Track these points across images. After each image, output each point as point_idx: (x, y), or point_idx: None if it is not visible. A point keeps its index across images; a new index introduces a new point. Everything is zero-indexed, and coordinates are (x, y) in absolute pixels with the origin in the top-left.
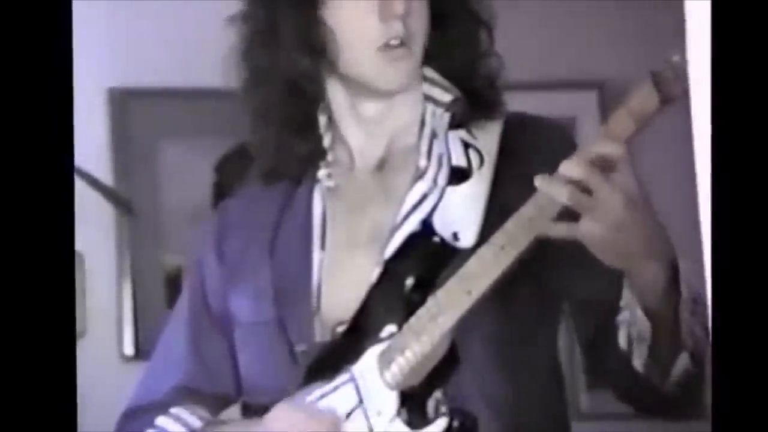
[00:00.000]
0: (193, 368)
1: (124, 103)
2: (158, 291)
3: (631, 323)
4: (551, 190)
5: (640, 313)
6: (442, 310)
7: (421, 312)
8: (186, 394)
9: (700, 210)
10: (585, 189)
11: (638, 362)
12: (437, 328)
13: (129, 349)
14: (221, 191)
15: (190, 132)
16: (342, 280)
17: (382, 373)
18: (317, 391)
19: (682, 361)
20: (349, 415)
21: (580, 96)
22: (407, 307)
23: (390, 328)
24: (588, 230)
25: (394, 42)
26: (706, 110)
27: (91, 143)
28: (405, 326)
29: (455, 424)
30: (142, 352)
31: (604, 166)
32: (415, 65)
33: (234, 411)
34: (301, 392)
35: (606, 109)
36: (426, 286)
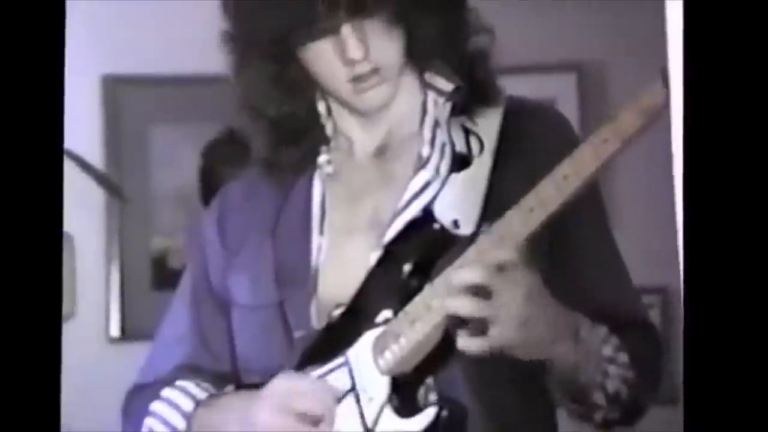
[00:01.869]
0: (196, 347)
1: (116, 89)
2: (145, 274)
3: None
4: (456, 305)
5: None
6: (438, 298)
7: (417, 299)
8: (189, 372)
9: (678, 214)
10: (485, 292)
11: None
12: (432, 316)
13: (115, 330)
14: (208, 176)
15: (181, 118)
16: (340, 264)
17: (375, 359)
18: (313, 373)
19: (600, 414)
20: (341, 399)
21: (559, 78)
22: (404, 292)
23: (386, 314)
24: (497, 338)
25: (362, 75)
26: (683, 108)
27: (83, 129)
28: (401, 312)
29: (444, 413)
30: (128, 333)
31: (499, 266)
32: (391, 87)
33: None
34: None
35: (585, 90)
36: (424, 273)
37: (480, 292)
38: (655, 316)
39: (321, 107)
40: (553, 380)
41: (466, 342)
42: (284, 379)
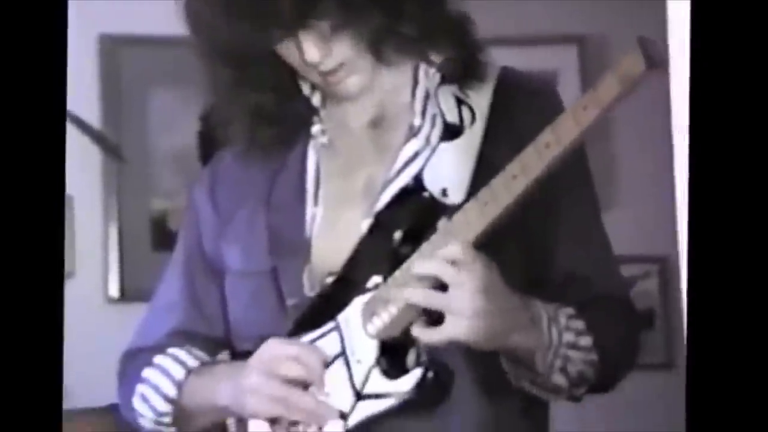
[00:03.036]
0: (189, 312)
1: (115, 49)
2: (144, 234)
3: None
4: (411, 295)
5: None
6: (426, 265)
7: (406, 265)
8: (183, 338)
9: (676, 177)
10: (440, 285)
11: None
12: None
13: (114, 291)
14: (206, 140)
15: (180, 80)
16: (334, 233)
17: (364, 323)
18: (304, 338)
19: (563, 393)
20: (331, 362)
21: (561, 50)
22: (394, 259)
23: (376, 279)
24: (453, 329)
25: (329, 71)
26: (685, 79)
27: (81, 88)
28: (390, 278)
29: (430, 375)
30: (126, 294)
31: (453, 261)
32: (364, 75)
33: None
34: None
35: (586, 62)
36: (414, 240)
37: (437, 283)
38: (652, 285)
39: (305, 86)
40: (509, 364)
41: (420, 332)
42: (272, 344)
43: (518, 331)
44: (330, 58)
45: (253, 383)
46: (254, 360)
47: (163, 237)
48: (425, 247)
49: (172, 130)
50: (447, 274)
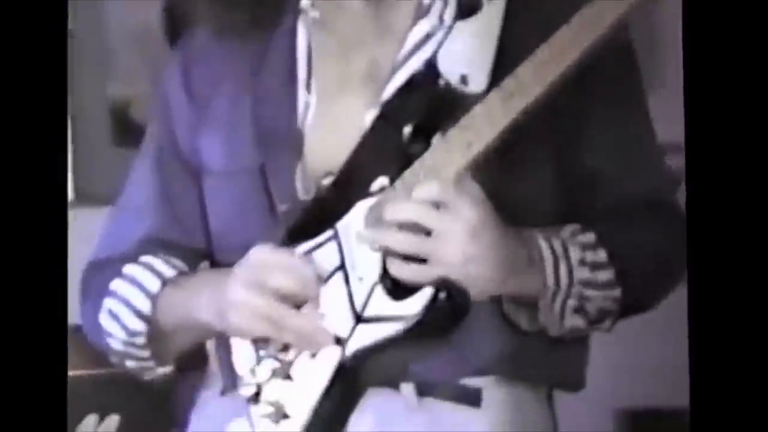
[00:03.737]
0: (162, 217)
1: None
2: (102, 127)
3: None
4: (390, 242)
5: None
6: (438, 162)
7: (417, 165)
8: (156, 246)
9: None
10: (423, 230)
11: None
12: None
13: (68, 192)
14: (173, 17)
15: None
16: (331, 126)
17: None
18: (298, 248)
19: (580, 333)
20: (328, 278)
21: None
22: (403, 158)
23: (382, 181)
24: (436, 276)
25: None
26: None
27: None
28: (398, 180)
29: (442, 296)
30: (82, 196)
31: (435, 203)
32: None
33: None
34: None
35: None
36: (426, 136)
37: (419, 228)
38: None
39: None
40: (513, 308)
41: (398, 268)
42: (261, 251)
43: (515, 276)
44: None
45: (238, 296)
46: (240, 269)
47: (124, 130)
48: (439, 143)
49: (133, 4)
50: (428, 218)
